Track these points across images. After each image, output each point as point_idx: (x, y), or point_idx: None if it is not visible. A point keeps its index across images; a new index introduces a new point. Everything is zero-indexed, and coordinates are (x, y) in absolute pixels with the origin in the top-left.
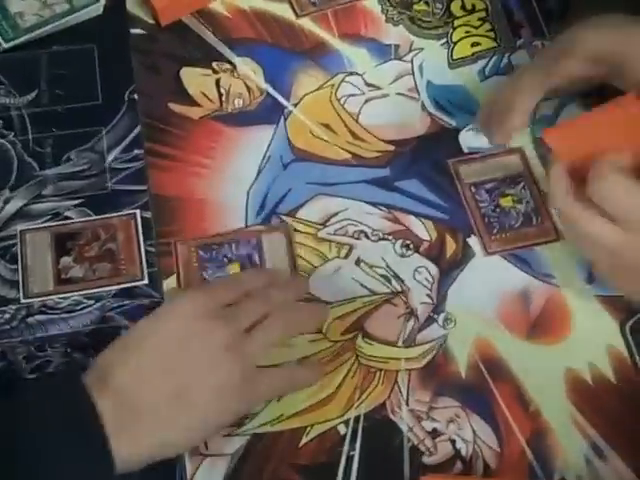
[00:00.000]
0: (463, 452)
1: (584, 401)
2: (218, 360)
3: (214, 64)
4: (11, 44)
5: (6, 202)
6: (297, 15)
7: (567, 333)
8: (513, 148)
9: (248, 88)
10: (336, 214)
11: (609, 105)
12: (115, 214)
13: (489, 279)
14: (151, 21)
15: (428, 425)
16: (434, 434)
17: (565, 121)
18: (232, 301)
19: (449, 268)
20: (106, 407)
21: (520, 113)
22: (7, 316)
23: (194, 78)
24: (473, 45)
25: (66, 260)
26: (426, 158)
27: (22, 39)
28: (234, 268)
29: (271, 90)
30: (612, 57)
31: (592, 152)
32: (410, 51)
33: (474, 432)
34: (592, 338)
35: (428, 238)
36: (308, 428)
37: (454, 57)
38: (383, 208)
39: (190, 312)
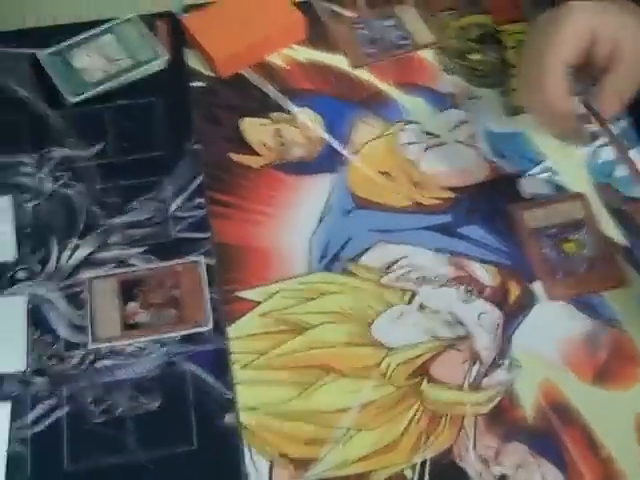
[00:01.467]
0: None
1: None
2: None
3: (273, 115)
4: (78, 99)
5: (74, 250)
6: (354, 66)
7: (637, 378)
8: (574, 193)
9: (308, 138)
10: (398, 260)
11: None
12: (179, 261)
13: (554, 324)
14: (211, 74)
15: (497, 470)
16: None
17: None
18: None
19: (513, 313)
20: None
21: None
22: (75, 361)
23: (254, 128)
24: None
25: (132, 305)
26: (487, 204)
27: (89, 94)
28: None
29: (331, 139)
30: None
31: None
32: (468, 99)
33: (543, 478)
34: None
35: (491, 283)
36: (373, 473)
37: (512, 104)
38: (445, 254)
39: None
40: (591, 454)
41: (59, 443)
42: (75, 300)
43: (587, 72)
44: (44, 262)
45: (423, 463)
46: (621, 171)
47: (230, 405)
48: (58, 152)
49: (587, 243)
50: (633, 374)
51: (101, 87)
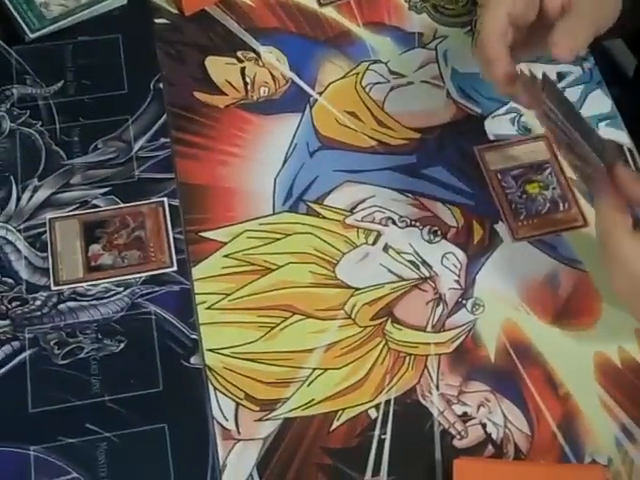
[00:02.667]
0: (494, 436)
1: (613, 384)
2: None
3: (239, 53)
4: (37, 34)
5: (35, 191)
6: (320, 4)
7: (596, 317)
8: (539, 135)
9: (273, 77)
10: (363, 201)
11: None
12: (143, 202)
13: (516, 265)
14: (175, 11)
15: (458, 409)
16: (465, 418)
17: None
18: None
19: (476, 254)
20: None
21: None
22: (38, 303)
23: (219, 67)
24: None
25: (95, 248)
26: (452, 145)
27: (48, 29)
28: None
29: (296, 78)
30: None
31: None
32: (434, 39)
33: (505, 416)
34: (621, 322)
35: (455, 224)
36: (339, 412)
37: None
38: (410, 195)
39: None
40: (550, 392)
41: (23, 386)
42: (36, 242)
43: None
44: (3, 203)
45: (387, 402)
46: (586, 111)
47: (195, 347)
48: (17, 90)
49: (550, 184)
50: (592, 314)
51: (61, 22)
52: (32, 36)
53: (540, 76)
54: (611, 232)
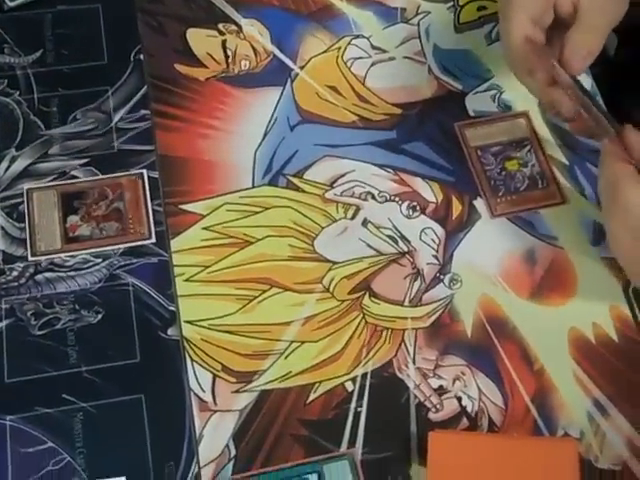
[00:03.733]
0: (469, 409)
1: (587, 359)
2: None
3: (220, 25)
4: (16, 3)
5: (12, 161)
6: None
7: (572, 294)
8: (518, 112)
9: (254, 50)
10: (343, 175)
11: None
12: (123, 173)
13: (494, 241)
14: None
15: (434, 382)
16: (440, 391)
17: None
18: None
19: (455, 230)
20: None
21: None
22: (15, 273)
23: (200, 39)
24: (479, 9)
25: (73, 219)
26: (432, 121)
27: None
28: None
29: (277, 52)
30: None
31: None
32: (417, 14)
33: (479, 389)
34: (596, 299)
35: (434, 200)
36: (316, 384)
37: (460, 21)
38: (390, 170)
39: None
40: (525, 366)
41: None
42: (14, 212)
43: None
44: None
45: (364, 375)
46: None
47: (173, 318)
48: None
49: (529, 161)
50: (568, 290)
51: None
52: (11, 4)
53: None
54: (617, 182)
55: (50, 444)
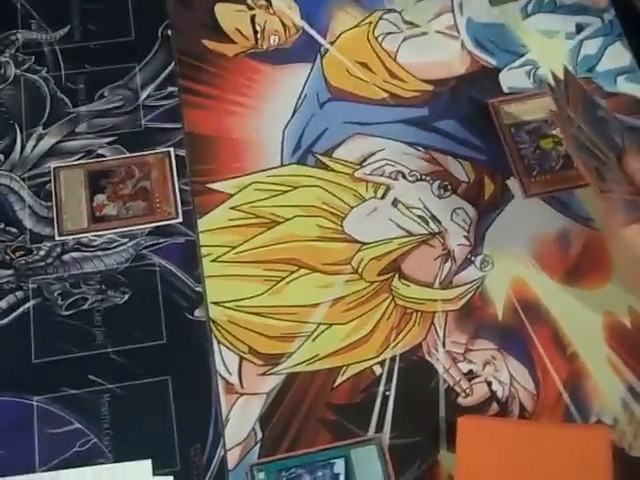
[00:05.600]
0: (499, 394)
1: (622, 345)
2: None
3: (249, 0)
4: None
5: (39, 139)
6: None
7: (607, 277)
8: None
9: (284, 25)
10: (373, 154)
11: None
12: (149, 152)
13: (528, 221)
14: None
15: (464, 367)
16: (470, 376)
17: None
18: None
19: (487, 210)
20: None
21: None
22: (42, 253)
23: (229, 14)
24: None
25: (100, 198)
26: (465, 98)
27: None
28: None
29: (307, 27)
30: None
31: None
32: None
33: (510, 374)
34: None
35: (466, 179)
36: (344, 368)
37: None
38: (420, 148)
39: None
40: (558, 351)
41: (26, 336)
42: (41, 191)
43: None
44: (8, 151)
45: (393, 359)
46: (604, 65)
47: (199, 299)
48: (21, 35)
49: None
50: (604, 273)
51: None
52: None
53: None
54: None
55: (77, 425)
